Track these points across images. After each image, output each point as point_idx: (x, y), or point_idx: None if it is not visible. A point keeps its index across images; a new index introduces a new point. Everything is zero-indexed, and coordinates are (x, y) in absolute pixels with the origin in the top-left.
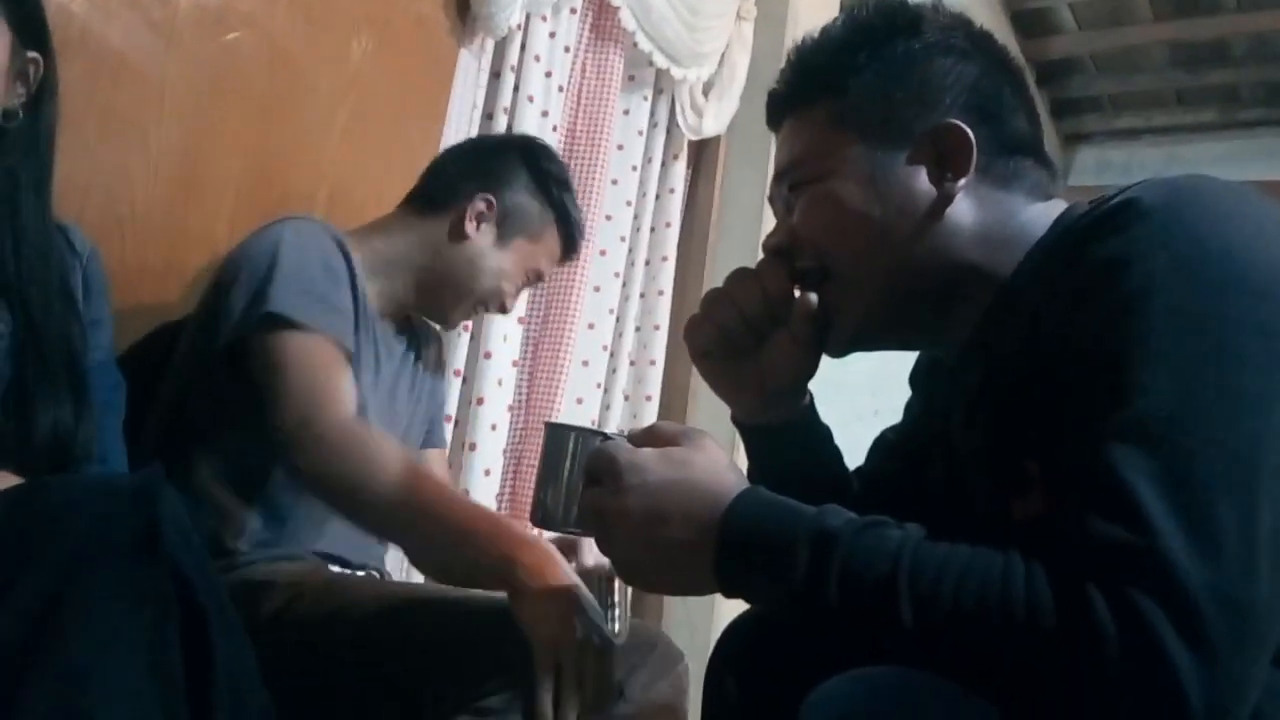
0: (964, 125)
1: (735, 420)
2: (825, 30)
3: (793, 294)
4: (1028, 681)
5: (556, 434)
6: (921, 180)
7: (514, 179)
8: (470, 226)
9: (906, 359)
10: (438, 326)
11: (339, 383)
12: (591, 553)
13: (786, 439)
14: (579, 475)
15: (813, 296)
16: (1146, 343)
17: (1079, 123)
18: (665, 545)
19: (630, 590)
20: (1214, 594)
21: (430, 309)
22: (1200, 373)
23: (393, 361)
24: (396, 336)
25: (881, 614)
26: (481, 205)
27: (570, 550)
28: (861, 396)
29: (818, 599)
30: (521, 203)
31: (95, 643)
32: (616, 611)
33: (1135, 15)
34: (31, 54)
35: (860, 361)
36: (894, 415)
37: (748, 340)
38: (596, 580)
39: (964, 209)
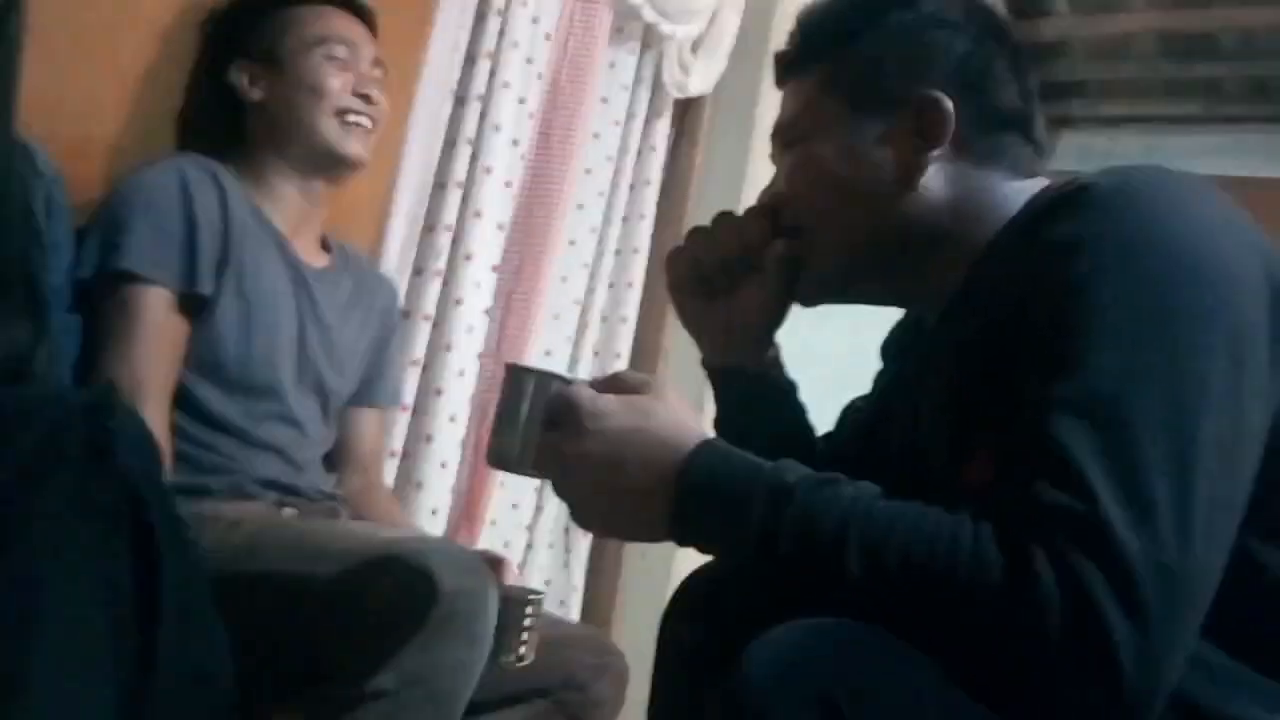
0: (944, 97)
1: (703, 362)
2: None
3: (769, 244)
4: (970, 636)
5: (517, 376)
6: (896, 149)
7: (250, 37)
8: (249, 91)
9: (880, 334)
10: (385, 270)
11: (154, 362)
12: (509, 574)
13: (751, 384)
14: (538, 418)
15: (784, 245)
16: (1094, 324)
17: (1064, 107)
18: (622, 491)
19: (540, 612)
20: (1149, 561)
21: (292, 153)
22: (1143, 354)
23: (323, 293)
24: (327, 272)
25: (831, 567)
26: (243, 75)
27: (494, 568)
28: (832, 371)
29: (770, 551)
30: (258, 36)
31: (45, 550)
32: (526, 635)
33: (1126, 2)
34: None
35: (834, 335)
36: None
37: (722, 279)
38: (512, 602)
39: (937, 180)
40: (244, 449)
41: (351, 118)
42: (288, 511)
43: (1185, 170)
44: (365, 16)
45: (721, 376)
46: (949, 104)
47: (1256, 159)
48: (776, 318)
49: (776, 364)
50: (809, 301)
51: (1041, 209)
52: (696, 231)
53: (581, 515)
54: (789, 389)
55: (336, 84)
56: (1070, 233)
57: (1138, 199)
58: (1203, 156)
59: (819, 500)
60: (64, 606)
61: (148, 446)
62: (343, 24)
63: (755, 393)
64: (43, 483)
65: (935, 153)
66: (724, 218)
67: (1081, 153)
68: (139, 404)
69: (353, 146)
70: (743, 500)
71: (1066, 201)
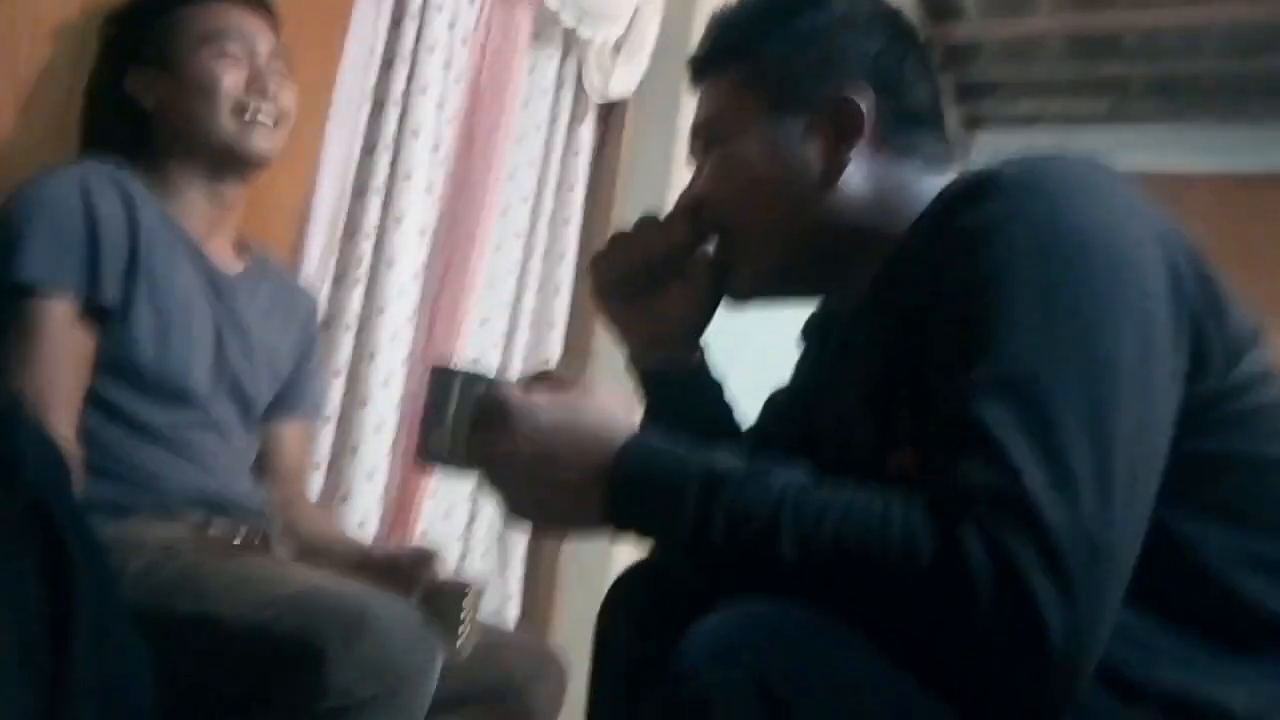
0: (858, 98)
1: (629, 365)
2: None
3: (693, 245)
4: (903, 615)
5: (441, 376)
6: (817, 147)
7: (143, 42)
8: (144, 98)
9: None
10: (305, 279)
11: (59, 374)
12: (441, 567)
13: (679, 387)
14: (465, 418)
15: (709, 249)
16: (1007, 308)
17: (979, 107)
18: (555, 486)
19: (479, 604)
20: (1073, 532)
21: (195, 155)
22: (1055, 334)
23: (239, 297)
24: (243, 277)
25: (765, 552)
26: (138, 82)
27: (425, 562)
28: (761, 370)
29: (704, 538)
30: (150, 40)
31: None
32: (463, 628)
33: (1034, 5)
34: None
35: (764, 331)
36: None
37: (646, 284)
38: (448, 594)
39: (857, 177)
40: (166, 456)
41: (249, 114)
42: (214, 531)
43: (1084, 157)
44: (263, 10)
45: (648, 380)
46: (864, 103)
47: (1164, 154)
48: (703, 319)
49: (703, 364)
50: (740, 301)
51: (949, 198)
52: (618, 236)
53: (514, 509)
54: (717, 388)
55: (229, 80)
56: (978, 220)
57: (1042, 185)
58: (1112, 152)
59: (750, 487)
60: None
61: (56, 460)
62: (234, 18)
63: (683, 395)
64: None
65: (853, 150)
66: (646, 221)
67: (995, 152)
68: (45, 417)
69: (255, 143)
70: (675, 489)
71: (973, 190)
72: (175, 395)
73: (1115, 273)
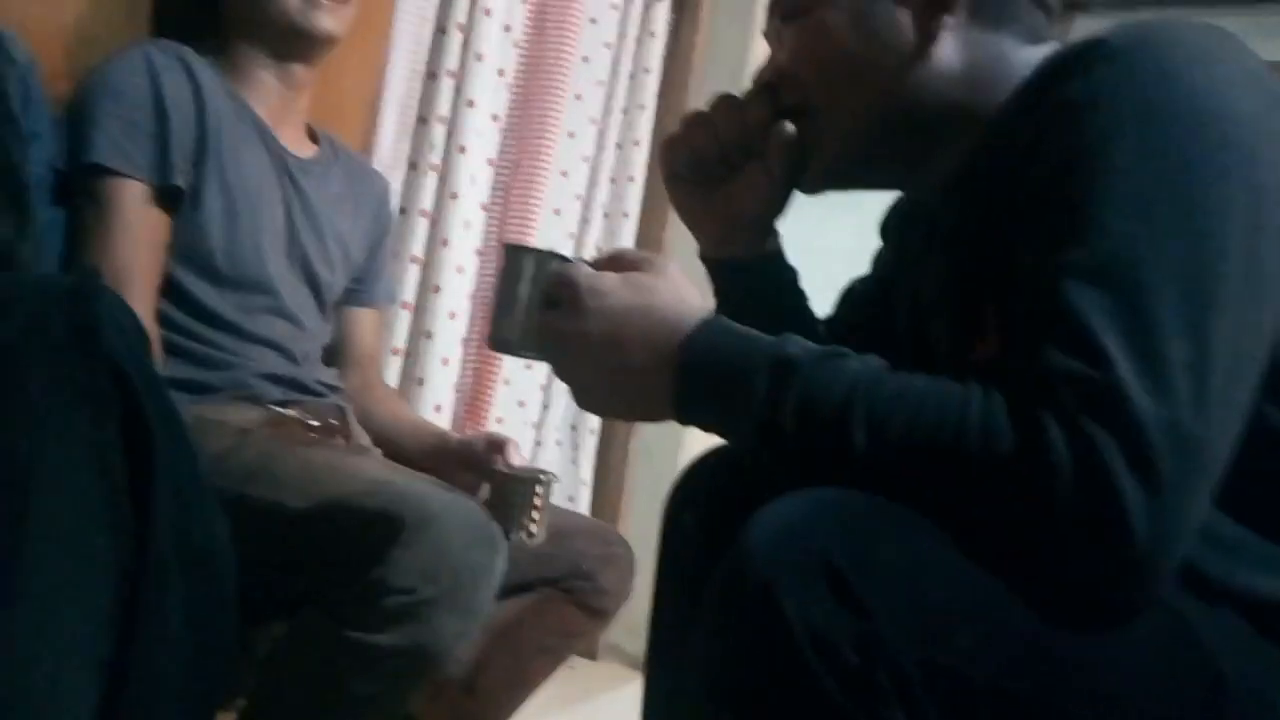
0: None
1: (701, 254)
2: None
3: (771, 125)
4: (979, 505)
5: (514, 255)
6: (908, 18)
7: None
8: None
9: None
10: (378, 165)
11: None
12: (517, 454)
13: (752, 276)
14: (537, 298)
15: (790, 127)
16: (1107, 183)
17: None
18: (623, 370)
19: (550, 493)
20: (1165, 428)
21: (261, 36)
22: (1160, 215)
23: (311, 183)
24: (314, 162)
25: (836, 439)
26: None
27: (499, 449)
28: (839, 265)
29: (774, 425)
30: None
31: (35, 435)
32: (536, 514)
33: None
34: None
35: (839, 227)
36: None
37: (721, 167)
38: (519, 481)
39: (950, 49)
40: (240, 343)
41: None
42: (291, 414)
43: (1203, 25)
44: None
45: (720, 268)
46: None
47: None
48: (778, 206)
49: (777, 253)
50: (814, 188)
51: (1049, 69)
52: (693, 118)
53: (583, 396)
54: (790, 278)
55: None
56: (1083, 90)
57: (1156, 52)
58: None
59: (823, 373)
60: (56, 487)
61: (134, 331)
62: None
63: (755, 284)
64: (28, 367)
65: (947, 22)
66: (722, 101)
67: None
68: (123, 293)
69: (321, 21)
70: (745, 375)
71: (1079, 58)
72: (248, 283)
73: (1230, 149)
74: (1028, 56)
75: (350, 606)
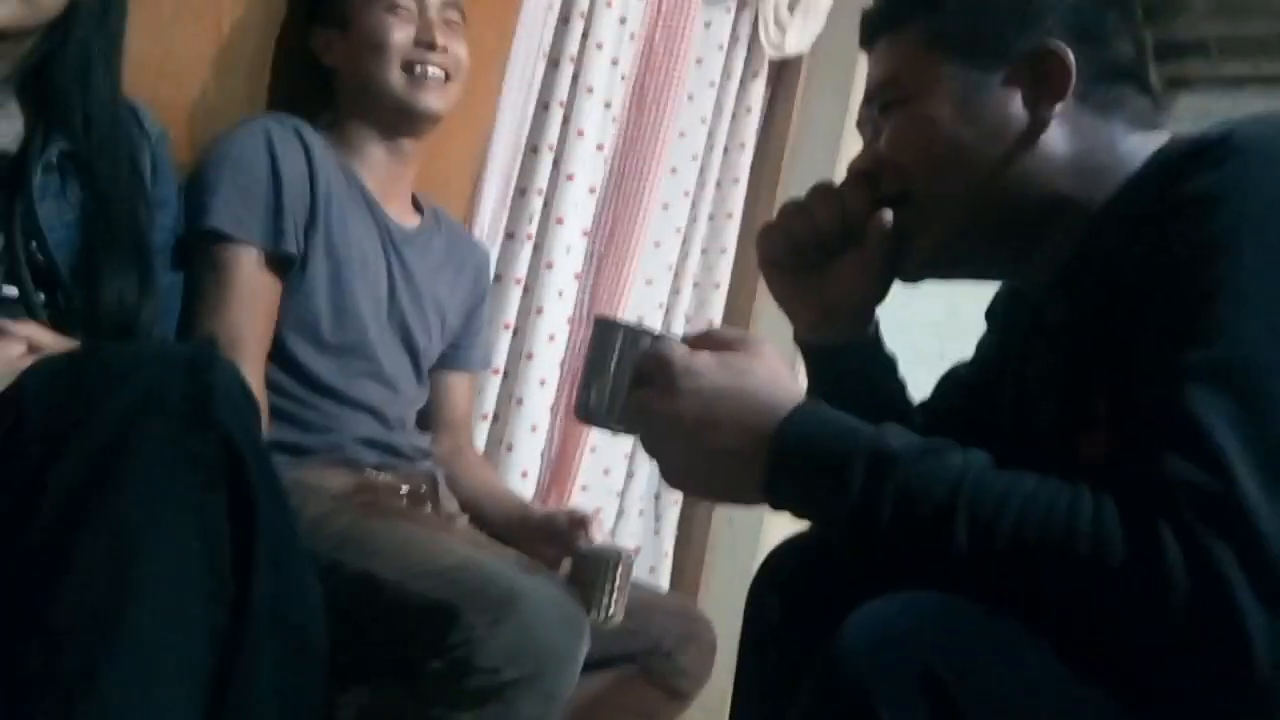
0: (1063, 47)
1: (797, 339)
2: None
3: (870, 214)
4: (1088, 616)
5: (605, 329)
6: (1016, 103)
7: (322, 5)
8: (326, 55)
9: (977, 303)
10: (478, 234)
11: (249, 319)
12: (599, 530)
13: (848, 362)
14: (626, 373)
15: (889, 215)
16: (1234, 283)
17: (1181, 67)
18: (715, 452)
19: (629, 573)
20: None
21: (370, 113)
22: None
23: (413, 253)
24: (418, 232)
25: (938, 539)
26: (321, 40)
27: (581, 525)
28: (928, 339)
29: (870, 519)
30: (330, 5)
31: (146, 501)
32: (616, 594)
33: None
34: None
35: (929, 302)
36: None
37: (819, 254)
38: (600, 560)
39: (1059, 135)
40: (339, 408)
41: (419, 69)
42: (384, 480)
43: None
44: None
45: (817, 355)
46: (1069, 54)
47: None
48: (878, 294)
49: (875, 340)
50: (914, 277)
51: (1172, 162)
52: (790, 205)
53: (672, 474)
54: (887, 364)
55: (399, 36)
56: (1209, 185)
57: None
58: None
59: (924, 467)
60: (161, 552)
61: (246, 402)
62: None
63: (851, 369)
64: (143, 434)
65: (1057, 107)
66: (821, 189)
67: (1199, 116)
68: (235, 361)
69: (425, 99)
70: (842, 464)
71: (1203, 153)
72: (349, 348)
73: None
74: (1137, 145)
75: (433, 683)
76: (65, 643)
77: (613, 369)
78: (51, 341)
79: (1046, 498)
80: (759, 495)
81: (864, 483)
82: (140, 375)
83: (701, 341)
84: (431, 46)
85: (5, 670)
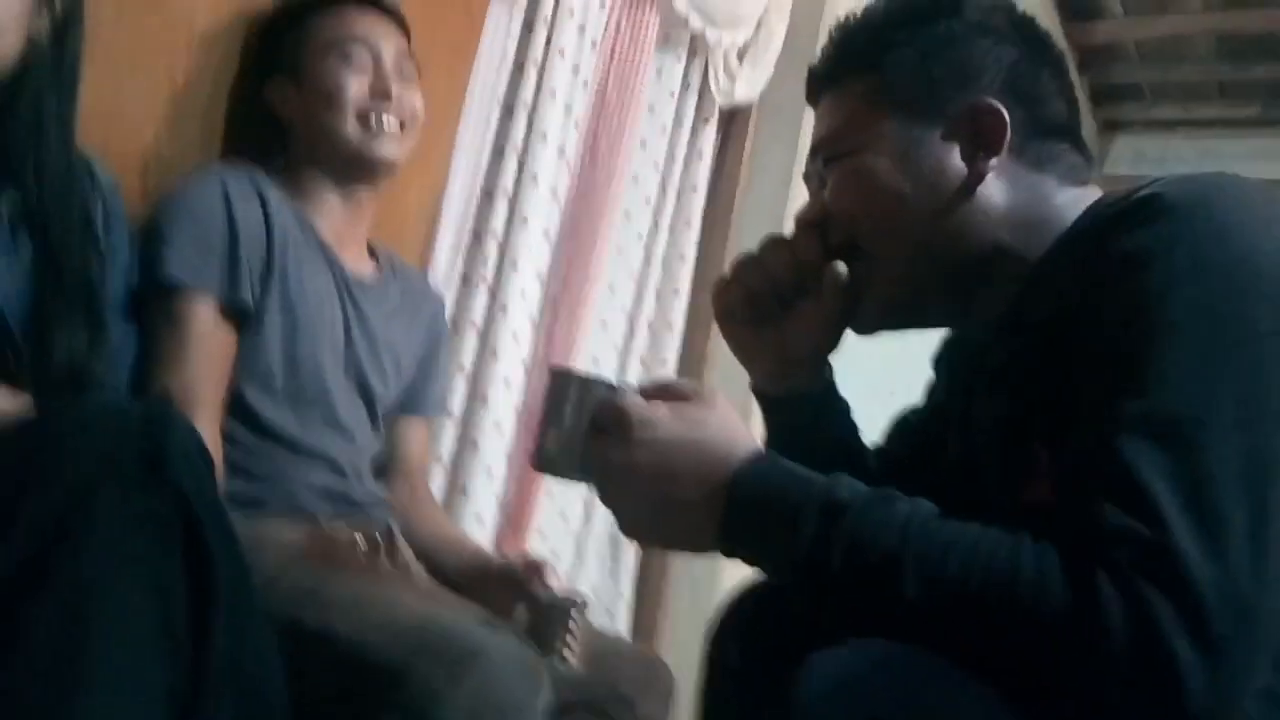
0: (999, 104)
1: (754, 388)
2: (868, 8)
3: (822, 264)
4: (1029, 663)
5: (560, 378)
6: (954, 158)
7: (279, 52)
8: (280, 107)
9: (927, 337)
10: (434, 279)
11: (204, 372)
12: (554, 577)
13: (804, 411)
14: (582, 422)
15: (842, 268)
16: (1166, 338)
17: (1117, 110)
18: (671, 502)
19: (584, 618)
20: (1221, 593)
21: (325, 162)
22: (1218, 373)
23: (368, 301)
24: (373, 280)
25: (885, 587)
26: (275, 92)
27: (536, 572)
28: (878, 375)
29: (821, 568)
30: (286, 50)
31: (101, 566)
32: (571, 640)
33: (1182, 4)
34: None
35: (879, 339)
36: (910, 395)
37: (774, 307)
38: (555, 608)
39: (996, 189)
40: (294, 458)
41: (374, 119)
42: (340, 531)
43: (1247, 177)
44: (392, 14)
45: (773, 405)
46: (1005, 111)
47: None
48: (832, 342)
49: (829, 388)
50: (866, 328)
51: (1106, 218)
52: (743, 258)
53: (628, 524)
54: (842, 410)
55: (353, 86)
56: (1140, 243)
57: (1210, 208)
58: (1260, 159)
59: (873, 517)
60: (116, 614)
61: (201, 459)
62: (358, 23)
63: (807, 419)
64: (98, 494)
65: (993, 162)
66: (772, 241)
67: (1134, 157)
68: (191, 414)
69: (380, 148)
70: (794, 514)
71: (1134, 210)
72: (306, 397)
73: None
74: (1072, 199)
75: None
76: (20, 707)
77: (568, 418)
78: (2, 400)
79: (989, 546)
80: (713, 545)
81: (815, 532)
82: (94, 436)
83: (657, 393)
84: (386, 97)
85: None
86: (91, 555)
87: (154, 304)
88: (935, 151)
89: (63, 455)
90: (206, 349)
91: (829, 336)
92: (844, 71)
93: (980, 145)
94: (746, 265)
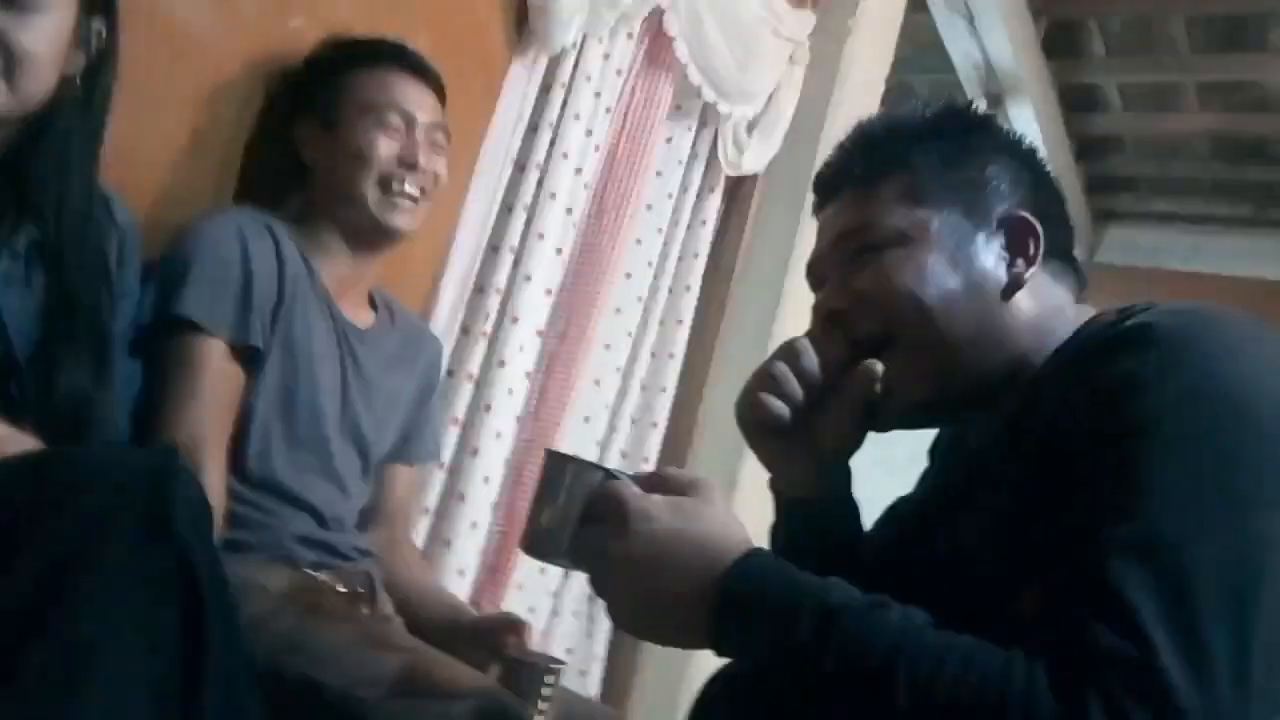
0: (1035, 219)
1: (775, 488)
2: (895, 116)
3: (850, 361)
4: None
5: (555, 463)
6: (995, 261)
7: (317, 96)
8: (305, 149)
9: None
10: (435, 328)
11: (212, 417)
12: (530, 638)
13: (820, 518)
14: (576, 509)
15: (879, 365)
16: (1155, 467)
17: (1112, 201)
18: (662, 595)
19: (560, 681)
20: (1205, 715)
21: (340, 218)
22: (1203, 500)
23: (366, 350)
24: (372, 330)
25: (877, 693)
26: (304, 133)
27: (512, 631)
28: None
29: (814, 671)
30: (323, 96)
31: (98, 617)
32: (543, 703)
33: (1180, 103)
34: (96, 22)
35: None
36: (894, 467)
37: (802, 416)
38: (530, 668)
39: (1025, 298)
40: (281, 505)
41: (395, 186)
42: (324, 580)
43: (1240, 314)
44: (433, 82)
45: (792, 505)
46: (1039, 225)
47: None
48: (858, 440)
49: (846, 492)
50: (888, 426)
51: (1099, 342)
52: (771, 371)
53: (620, 615)
54: (854, 515)
55: (383, 152)
56: (1128, 370)
57: (1199, 341)
58: (1249, 258)
59: (867, 625)
60: (111, 671)
61: (203, 513)
62: (403, 92)
63: (820, 523)
64: (99, 550)
65: (1029, 271)
66: (798, 349)
67: (1126, 247)
68: (197, 462)
69: (396, 218)
70: (787, 618)
71: (1124, 338)
72: (299, 443)
73: (1272, 439)
74: (1076, 313)
75: None
76: None
77: (562, 503)
78: (4, 434)
79: (981, 660)
80: (705, 640)
81: (809, 636)
82: (99, 488)
83: (653, 483)
84: (412, 167)
85: None
86: (91, 611)
87: (166, 341)
88: (981, 252)
89: (66, 507)
90: (216, 389)
91: (855, 435)
92: (872, 170)
93: (1018, 254)
94: (776, 377)
